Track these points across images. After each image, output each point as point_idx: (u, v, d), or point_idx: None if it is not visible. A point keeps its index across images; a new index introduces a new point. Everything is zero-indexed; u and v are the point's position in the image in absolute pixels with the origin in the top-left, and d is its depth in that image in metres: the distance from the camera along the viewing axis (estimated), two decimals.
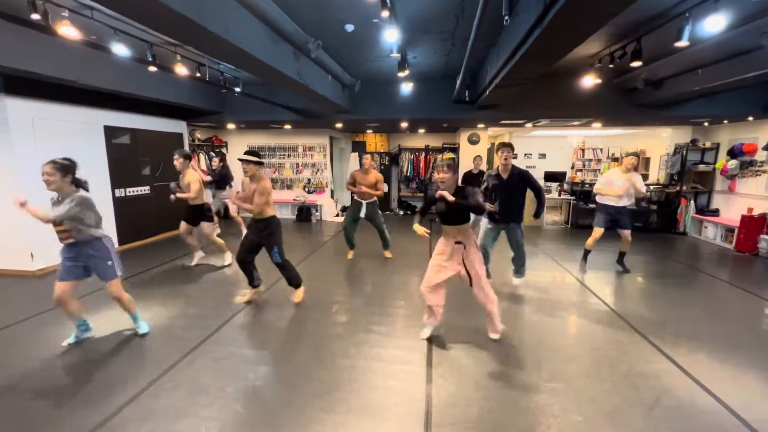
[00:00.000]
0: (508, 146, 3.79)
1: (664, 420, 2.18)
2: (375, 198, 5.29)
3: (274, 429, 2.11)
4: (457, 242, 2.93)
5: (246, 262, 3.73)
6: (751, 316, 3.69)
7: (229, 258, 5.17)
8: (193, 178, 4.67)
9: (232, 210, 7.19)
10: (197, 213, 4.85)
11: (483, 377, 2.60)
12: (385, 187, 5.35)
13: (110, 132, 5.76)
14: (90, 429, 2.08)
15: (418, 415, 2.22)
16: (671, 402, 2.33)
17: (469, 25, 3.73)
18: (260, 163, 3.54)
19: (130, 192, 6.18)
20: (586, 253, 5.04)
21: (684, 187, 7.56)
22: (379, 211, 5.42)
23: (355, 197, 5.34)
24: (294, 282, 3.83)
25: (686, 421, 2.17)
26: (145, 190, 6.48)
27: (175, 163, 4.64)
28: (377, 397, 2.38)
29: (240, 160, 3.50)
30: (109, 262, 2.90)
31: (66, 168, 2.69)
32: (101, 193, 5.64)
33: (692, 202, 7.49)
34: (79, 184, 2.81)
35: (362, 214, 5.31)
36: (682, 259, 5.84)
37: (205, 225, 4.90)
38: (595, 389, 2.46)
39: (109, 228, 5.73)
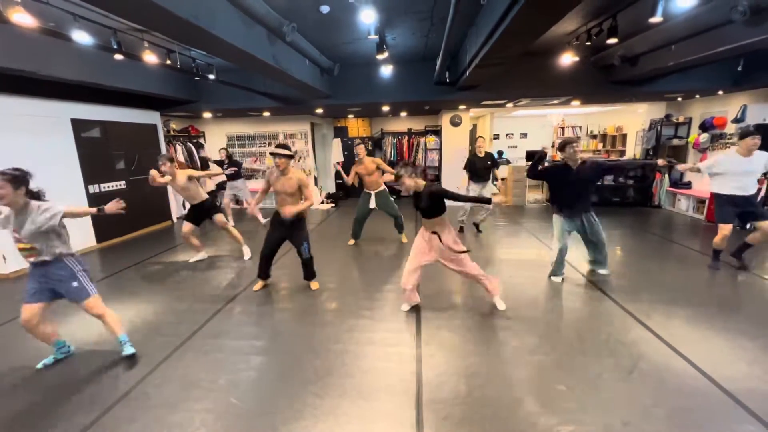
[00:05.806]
0: (573, 142, 3.64)
1: (641, 384, 2.30)
2: (383, 187, 5.30)
3: (269, 417, 2.13)
4: (433, 232, 3.16)
5: (269, 258, 3.83)
6: (720, 282, 3.90)
7: (248, 252, 5.12)
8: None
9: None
10: (201, 211, 4.77)
11: (471, 354, 2.68)
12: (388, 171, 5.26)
13: (78, 125, 5.50)
14: (81, 430, 2.06)
15: (409, 394, 2.28)
16: (647, 367, 2.47)
17: (447, 4, 3.66)
18: (291, 156, 3.56)
19: (105, 187, 5.95)
20: (717, 253, 4.20)
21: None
22: (391, 198, 5.39)
23: (364, 189, 5.35)
24: (313, 276, 3.97)
25: (661, 384, 2.30)
26: (120, 184, 6.26)
27: (164, 168, 4.46)
28: (369, 380, 2.43)
29: (272, 154, 3.51)
30: (75, 283, 2.59)
31: (17, 179, 2.36)
32: (74, 190, 5.43)
33: (666, 176, 7.75)
34: (35, 196, 2.49)
35: (372, 205, 5.30)
36: (657, 231, 6.07)
37: (217, 216, 4.83)
38: (578, 359, 2.58)
39: (85, 226, 5.57)
